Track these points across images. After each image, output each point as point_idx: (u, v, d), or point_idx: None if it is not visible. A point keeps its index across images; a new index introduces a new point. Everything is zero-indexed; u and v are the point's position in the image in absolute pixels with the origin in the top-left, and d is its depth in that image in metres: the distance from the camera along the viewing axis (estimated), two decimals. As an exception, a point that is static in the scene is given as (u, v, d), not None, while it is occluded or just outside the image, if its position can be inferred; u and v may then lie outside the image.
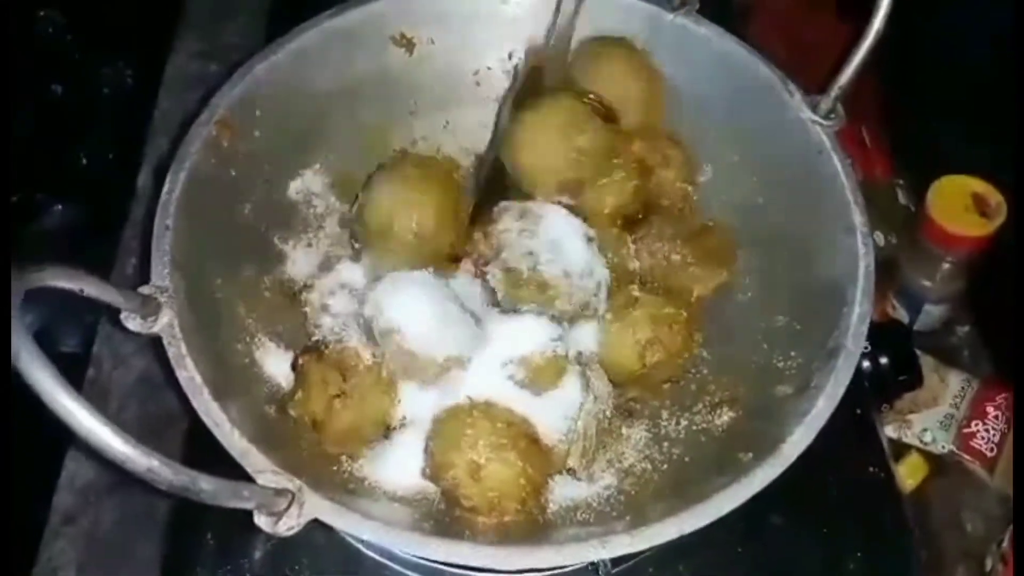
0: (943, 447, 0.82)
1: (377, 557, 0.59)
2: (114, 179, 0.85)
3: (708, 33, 0.64)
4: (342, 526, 0.43)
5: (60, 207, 0.83)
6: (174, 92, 0.91)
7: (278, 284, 0.60)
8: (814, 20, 0.95)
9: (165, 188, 0.53)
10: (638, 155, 0.65)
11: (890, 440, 0.82)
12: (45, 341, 0.75)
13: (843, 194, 0.57)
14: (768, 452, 0.47)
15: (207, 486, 0.36)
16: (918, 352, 0.84)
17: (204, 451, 0.45)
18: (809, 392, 0.50)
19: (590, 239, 0.61)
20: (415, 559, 0.58)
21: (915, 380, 0.76)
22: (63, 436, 0.33)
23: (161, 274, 0.49)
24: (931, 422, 0.83)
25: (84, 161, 0.87)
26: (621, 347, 0.58)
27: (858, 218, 0.55)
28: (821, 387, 0.49)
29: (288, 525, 0.42)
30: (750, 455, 0.48)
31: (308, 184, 0.65)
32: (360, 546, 0.60)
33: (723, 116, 0.64)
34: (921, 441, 0.82)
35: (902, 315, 0.88)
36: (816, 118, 0.59)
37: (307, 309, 0.60)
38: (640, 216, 0.65)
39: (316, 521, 0.43)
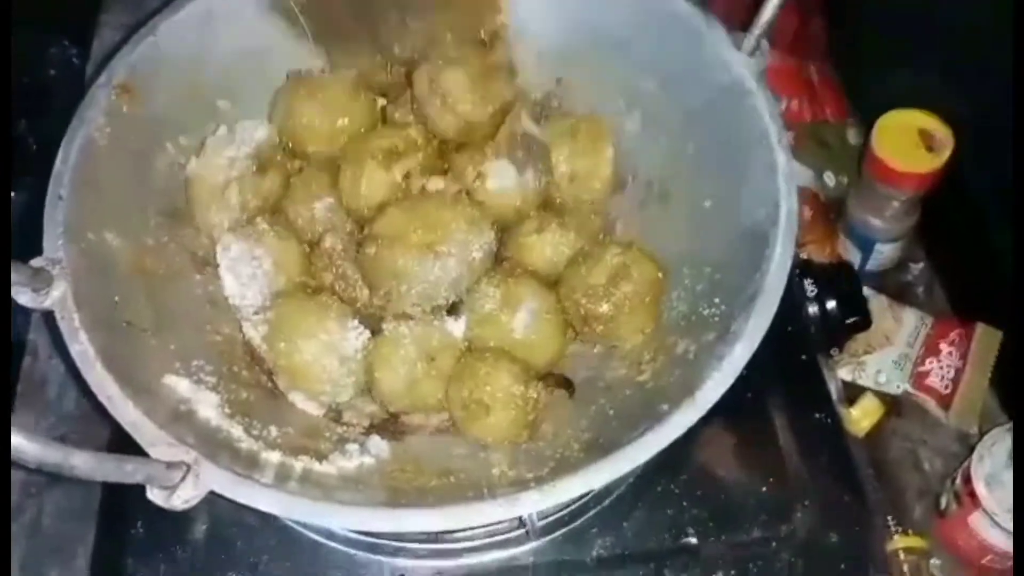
0: (898, 387, 0.81)
1: (314, 536, 0.59)
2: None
3: (629, -27, 0.61)
4: (239, 497, 0.42)
5: (13, 194, 0.79)
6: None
7: (184, 251, 0.59)
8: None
9: (59, 157, 0.51)
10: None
11: (845, 383, 0.81)
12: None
13: (766, 134, 0.55)
14: (683, 400, 0.46)
15: (81, 462, 0.35)
16: (872, 292, 0.83)
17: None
18: (728, 338, 0.49)
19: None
20: (351, 535, 0.58)
21: (864, 321, 0.74)
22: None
23: (54, 246, 0.48)
24: (885, 363, 0.82)
25: (34, 147, 0.83)
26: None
27: (780, 158, 0.54)
28: (740, 333, 0.48)
29: (183, 498, 0.41)
30: (668, 405, 0.47)
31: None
32: (297, 526, 0.59)
33: (648, 59, 0.62)
34: (876, 382, 0.82)
35: (854, 256, 0.86)
36: (739, 56, 0.57)
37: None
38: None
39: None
